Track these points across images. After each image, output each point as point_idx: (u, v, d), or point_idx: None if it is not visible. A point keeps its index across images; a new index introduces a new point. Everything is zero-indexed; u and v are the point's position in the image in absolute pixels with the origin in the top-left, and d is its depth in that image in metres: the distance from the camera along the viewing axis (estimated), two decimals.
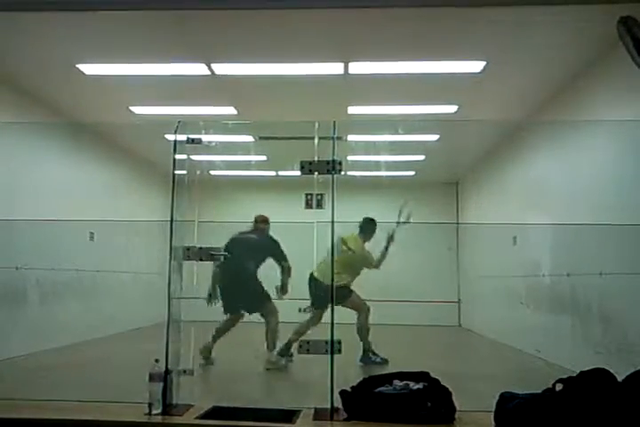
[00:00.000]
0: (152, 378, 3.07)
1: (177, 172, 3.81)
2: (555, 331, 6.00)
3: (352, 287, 6.22)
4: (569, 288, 5.77)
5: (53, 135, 7.02)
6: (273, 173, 10.43)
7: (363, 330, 6.10)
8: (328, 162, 3.48)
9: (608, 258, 4.89)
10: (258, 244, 5.91)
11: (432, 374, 3.19)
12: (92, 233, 7.66)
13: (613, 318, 4.82)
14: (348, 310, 5.97)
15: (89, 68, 5.66)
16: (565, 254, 5.95)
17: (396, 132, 7.42)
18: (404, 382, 3.07)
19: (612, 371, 2.79)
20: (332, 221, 3.57)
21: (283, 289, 5.78)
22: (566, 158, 6.09)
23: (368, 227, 6.40)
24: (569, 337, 5.61)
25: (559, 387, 2.78)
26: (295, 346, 5.23)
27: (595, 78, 5.32)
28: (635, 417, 2.47)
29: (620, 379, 2.73)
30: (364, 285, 6.62)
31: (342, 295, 5.87)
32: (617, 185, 4.90)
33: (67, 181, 7.17)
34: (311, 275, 5.98)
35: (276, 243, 5.98)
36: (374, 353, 6.09)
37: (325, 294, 5.30)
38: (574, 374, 2.85)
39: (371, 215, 6.63)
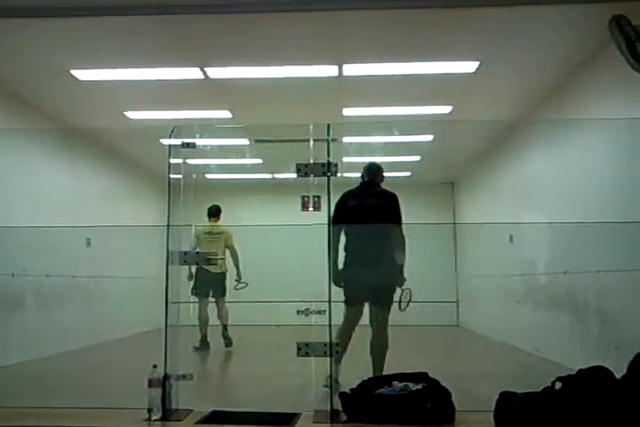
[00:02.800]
0: (151, 384, 3.07)
1: (172, 176, 3.81)
2: (553, 329, 6.01)
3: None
4: (566, 286, 5.79)
5: (48, 141, 7.01)
6: (269, 176, 10.44)
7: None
8: (323, 164, 3.50)
9: (604, 255, 4.90)
10: None
11: (431, 375, 3.20)
12: (88, 239, 7.64)
13: (611, 315, 4.83)
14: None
15: (83, 74, 5.65)
16: (562, 252, 5.96)
17: (391, 134, 7.43)
18: (404, 383, 3.08)
19: (610, 368, 2.80)
20: (329, 223, 3.57)
21: None
22: (561, 157, 6.10)
23: None
24: (567, 335, 5.62)
25: (558, 385, 2.79)
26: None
27: (587, 77, 5.33)
28: (633, 414, 2.48)
29: (618, 376, 2.75)
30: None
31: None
32: (611, 183, 4.92)
33: (62, 187, 7.15)
34: None
35: None
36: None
37: None
38: (573, 373, 2.86)
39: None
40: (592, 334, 5.13)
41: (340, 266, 4.38)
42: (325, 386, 3.74)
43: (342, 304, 4.33)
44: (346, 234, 4.43)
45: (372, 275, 4.22)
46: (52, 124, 6.94)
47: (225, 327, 6.97)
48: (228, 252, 7.11)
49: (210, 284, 6.90)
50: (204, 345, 6.79)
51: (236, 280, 7.07)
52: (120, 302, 8.06)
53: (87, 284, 7.41)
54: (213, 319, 6.99)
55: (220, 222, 7.29)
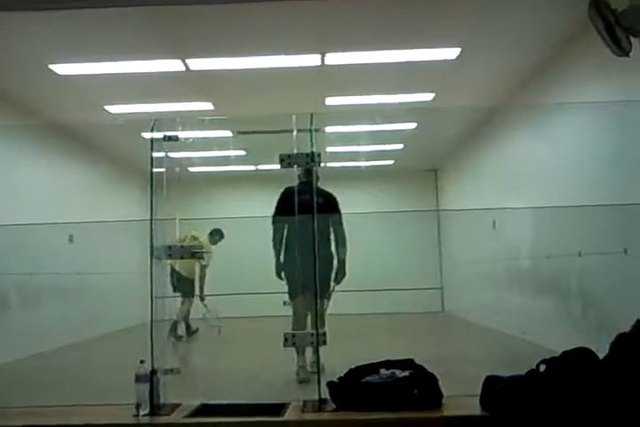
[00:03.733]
0: (138, 379, 3.06)
1: (155, 170, 3.77)
2: (537, 313, 6.08)
3: None
4: (550, 270, 5.85)
5: (27, 137, 6.92)
6: (252, 168, 10.40)
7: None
8: (307, 154, 3.48)
9: (586, 238, 4.95)
10: None
11: (417, 361, 3.22)
12: (70, 236, 7.59)
13: (593, 297, 4.90)
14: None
15: (61, 68, 5.59)
16: (545, 237, 6.02)
17: (374, 122, 7.43)
18: (391, 370, 3.10)
19: (593, 349, 2.83)
20: (314, 214, 3.57)
21: None
22: (543, 141, 6.14)
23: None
24: (551, 318, 5.68)
25: (542, 368, 2.82)
26: None
27: (569, 61, 5.36)
28: (616, 394, 2.52)
29: (601, 357, 2.78)
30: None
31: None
32: (592, 167, 4.96)
33: (42, 183, 7.09)
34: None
35: None
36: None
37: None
38: (557, 355, 2.90)
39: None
40: (575, 316, 5.19)
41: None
42: (299, 376, 4.36)
43: None
44: (289, 229, 4.73)
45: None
46: (31, 120, 6.87)
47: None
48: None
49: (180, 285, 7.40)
50: (190, 331, 7.62)
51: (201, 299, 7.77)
52: (104, 298, 8.03)
53: (70, 281, 7.37)
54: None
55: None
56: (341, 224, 4.86)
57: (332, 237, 4.85)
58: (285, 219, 4.62)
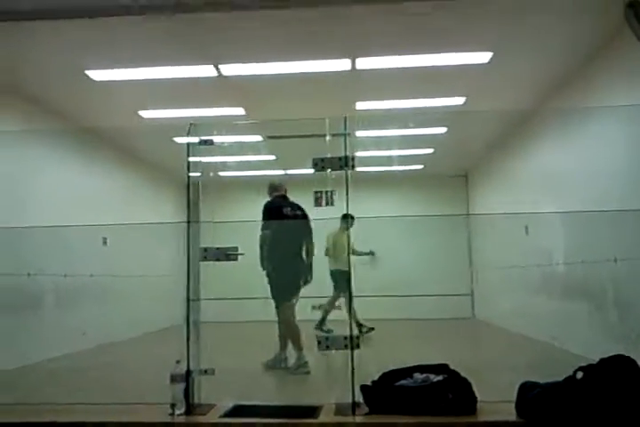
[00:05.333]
0: (174, 379, 3.10)
1: (191, 174, 3.83)
2: (571, 319, 5.98)
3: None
4: (583, 276, 5.76)
5: (63, 142, 7.09)
6: (282, 172, 10.45)
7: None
8: (340, 158, 3.50)
9: (622, 244, 4.87)
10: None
11: (451, 366, 3.21)
12: (104, 238, 7.72)
13: (630, 304, 4.81)
14: None
15: (97, 74, 5.70)
16: (579, 242, 5.93)
17: (404, 127, 7.42)
18: (425, 374, 3.10)
19: (631, 357, 2.79)
20: (349, 216, 3.58)
21: None
22: (576, 145, 6.07)
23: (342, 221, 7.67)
24: (586, 325, 5.60)
25: (580, 375, 2.79)
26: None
27: (602, 64, 5.30)
28: None
29: None
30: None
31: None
32: (628, 171, 4.89)
33: (77, 186, 7.23)
34: None
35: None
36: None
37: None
38: (592, 362, 2.86)
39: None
40: (611, 323, 5.10)
41: None
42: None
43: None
44: (272, 238, 5.29)
45: (294, 274, 5.37)
46: (67, 125, 7.01)
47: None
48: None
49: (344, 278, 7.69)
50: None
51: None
52: (138, 299, 8.14)
53: (104, 282, 7.49)
54: None
55: None
56: (311, 233, 5.58)
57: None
58: (273, 228, 5.31)
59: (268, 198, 5.72)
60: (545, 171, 6.99)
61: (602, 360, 2.82)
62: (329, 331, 7.50)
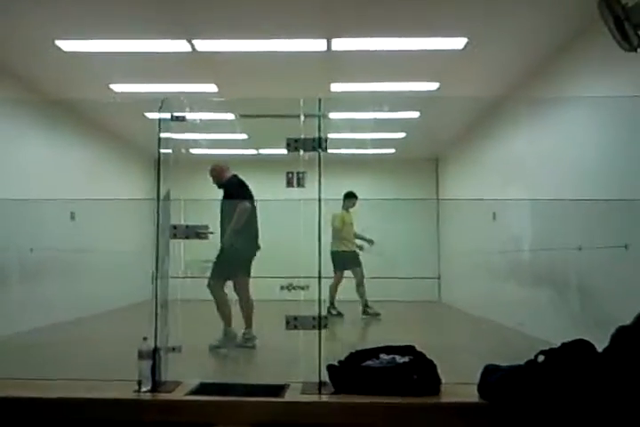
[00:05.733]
0: (141, 355, 3.08)
1: (162, 150, 3.78)
2: (535, 305, 6.12)
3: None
4: (549, 263, 5.88)
5: (30, 112, 6.90)
6: (254, 152, 10.39)
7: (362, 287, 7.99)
8: (314, 139, 3.48)
9: (587, 233, 4.98)
10: None
11: (417, 348, 3.25)
12: (72, 213, 7.59)
13: (592, 291, 4.94)
14: None
15: (68, 45, 5.56)
16: (545, 230, 6.04)
17: (378, 110, 7.42)
18: (391, 355, 3.13)
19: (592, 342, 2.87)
20: (319, 199, 3.58)
21: None
22: (546, 134, 6.15)
23: (346, 200, 8.12)
24: (549, 311, 5.73)
25: (541, 358, 2.85)
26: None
27: (576, 55, 5.36)
28: (614, 386, 2.56)
29: (599, 349, 2.82)
30: None
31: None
32: (595, 161, 4.98)
33: (44, 159, 7.07)
34: None
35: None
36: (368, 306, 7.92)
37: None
38: (555, 346, 2.94)
39: (353, 191, 8.16)
40: (573, 309, 5.24)
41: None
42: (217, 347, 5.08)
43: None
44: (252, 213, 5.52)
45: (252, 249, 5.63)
46: (34, 95, 6.83)
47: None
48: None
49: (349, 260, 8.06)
50: (336, 312, 7.91)
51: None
52: (107, 275, 8.05)
53: (72, 257, 7.38)
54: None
55: None
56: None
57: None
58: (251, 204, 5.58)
59: (236, 177, 5.74)
60: (514, 158, 7.08)
61: (563, 344, 2.89)
62: (339, 313, 7.83)
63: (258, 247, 5.64)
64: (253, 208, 5.55)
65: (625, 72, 4.35)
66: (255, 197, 5.72)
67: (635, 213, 4.06)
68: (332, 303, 7.91)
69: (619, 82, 4.60)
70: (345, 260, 8.00)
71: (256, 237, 5.63)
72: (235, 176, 5.77)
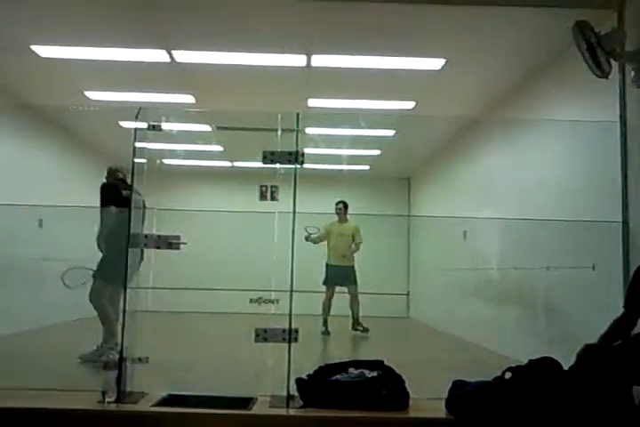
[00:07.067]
0: (106, 366, 3.04)
1: (136, 160, 3.76)
2: (503, 323, 6.18)
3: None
4: (517, 282, 5.96)
5: (1, 117, 6.78)
6: (229, 164, 10.37)
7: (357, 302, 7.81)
8: (290, 153, 3.51)
9: (556, 253, 5.07)
10: None
11: (386, 363, 3.26)
12: (40, 220, 7.46)
13: (559, 310, 5.01)
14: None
15: (44, 50, 5.50)
16: (514, 249, 6.13)
17: (354, 126, 7.49)
18: (360, 370, 3.14)
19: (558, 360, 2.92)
20: (294, 212, 3.60)
21: None
22: (517, 155, 6.27)
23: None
24: (517, 329, 5.79)
25: (508, 375, 2.89)
26: None
27: (550, 79, 5.49)
28: (580, 402, 2.60)
29: (565, 367, 2.86)
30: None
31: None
32: (565, 182, 5.09)
33: (13, 164, 6.95)
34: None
35: None
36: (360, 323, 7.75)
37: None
38: (522, 364, 2.97)
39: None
40: (540, 327, 5.31)
41: None
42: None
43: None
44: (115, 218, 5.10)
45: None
46: (6, 99, 6.73)
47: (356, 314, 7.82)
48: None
49: (341, 276, 7.82)
50: (325, 330, 7.66)
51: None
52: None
53: (38, 265, 7.23)
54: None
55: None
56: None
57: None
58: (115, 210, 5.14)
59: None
60: (486, 178, 7.19)
61: (530, 362, 2.93)
62: (327, 332, 7.69)
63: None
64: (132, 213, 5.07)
65: (596, 97, 4.47)
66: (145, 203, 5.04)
67: (601, 234, 4.15)
68: (324, 320, 7.77)
69: (589, 106, 4.72)
70: (337, 275, 7.85)
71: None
72: (114, 179, 5.42)
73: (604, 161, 4.37)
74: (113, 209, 5.10)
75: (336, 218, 8.07)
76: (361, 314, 7.91)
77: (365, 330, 7.74)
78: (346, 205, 8.07)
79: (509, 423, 2.66)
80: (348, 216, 8.06)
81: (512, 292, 6.09)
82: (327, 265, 7.92)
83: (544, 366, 2.84)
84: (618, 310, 3.02)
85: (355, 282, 7.90)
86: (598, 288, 4.22)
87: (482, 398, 2.82)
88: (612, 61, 3.85)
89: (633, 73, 3.83)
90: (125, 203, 4.83)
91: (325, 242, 7.96)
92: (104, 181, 5.45)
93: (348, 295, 7.89)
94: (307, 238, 7.67)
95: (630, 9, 4.00)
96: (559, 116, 5.16)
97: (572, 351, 2.93)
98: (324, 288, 7.88)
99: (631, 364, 2.64)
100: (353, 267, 7.93)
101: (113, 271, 4.56)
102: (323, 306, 7.79)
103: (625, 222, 3.93)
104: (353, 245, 7.94)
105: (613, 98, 4.11)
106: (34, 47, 5.44)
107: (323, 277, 7.88)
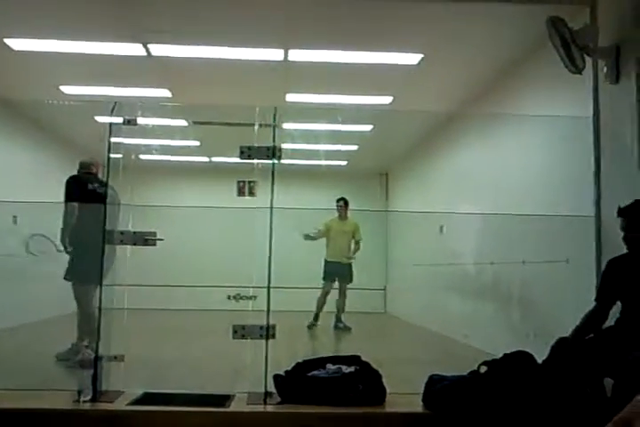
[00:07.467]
0: (82, 364, 3.02)
1: (111, 155, 3.72)
2: (479, 317, 6.25)
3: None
4: (493, 276, 6.02)
5: None
6: (206, 159, 10.30)
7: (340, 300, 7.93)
8: (268, 148, 3.50)
9: (530, 247, 5.13)
10: None
11: (363, 358, 3.28)
12: (15, 216, 7.35)
13: (534, 304, 5.08)
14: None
15: (17, 44, 5.40)
16: (490, 244, 6.19)
17: (332, 122, 7.48)
18: (337, 365, 3.15)
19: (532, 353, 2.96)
20: (271, 207, 3.59)
21: None
22: (494, 151, 6.32)
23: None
24: (492, 323, 5.86)
25: (483, 369, 2.93)
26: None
27: (526, 74, 5.53)
28: (554, 395, 2.64)
29: (539, 361, 2.90)
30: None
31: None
32: (540, 177, 5.14)
33: None
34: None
35: None
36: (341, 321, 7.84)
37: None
38: (497, 357, 3.01)
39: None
40: (515, 321, 5.37)
41: None
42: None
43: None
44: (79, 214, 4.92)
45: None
46: None
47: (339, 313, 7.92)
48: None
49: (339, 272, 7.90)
50: (313, 323, 7.77)
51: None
52: (50, 281, 7.78)
53: (12, 262, 7.12)
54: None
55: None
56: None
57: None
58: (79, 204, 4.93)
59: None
60: (463, 173, 7.24)
61: (504, 356, 2.97)
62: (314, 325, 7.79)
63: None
64: (86, 209, 4.87)
65: (570, 92, 4.52)
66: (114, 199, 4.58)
67: (575, 228, 4.20)
68: (316, 315, 7.83)
69: (564, 102, 4.77)
70: (335, 271, 7.89)
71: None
72: (82, 173, 5.27)
73: (578, 156, 4.41)
74: (75, 204, 4.91)
75: (331, 215, 8.16)
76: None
77: (347, 328, 7.78)
78: (346, 202, 8.11)
79: (485, 417, 2.69)
80: (348, 213, 8.14)
81: (488, 286, 6.15)
82: (326, 261, 7.97)
83: (518, 360, 2.88)
84: (591, 303, 3.07)
85: (350, 280, 8.00)
86: (572, 282, 4.28)
87: (458, 393, 2.85)
88: (586, 57, 3.90)
89: (606, 69, 3.88)
90: (92, 198, 4.76)
91: (317, 238, 8.03)
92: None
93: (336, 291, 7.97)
94: (306, 237, 7.72)
95: (602, 5, 4.04)
96: (534, 112, 5.21)
97: (546, 345, 2.98)
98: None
99: (603, 357, 2.68)
100: (351, 265, 8.04)
101: (85, 271, 4.52)
102: (317, 302, 7.83)
103: (597, 217, 3.98)
104: (353, 245, 8.07)
105: (587, 93, 4.16)
106: (7, 40, 5.34)
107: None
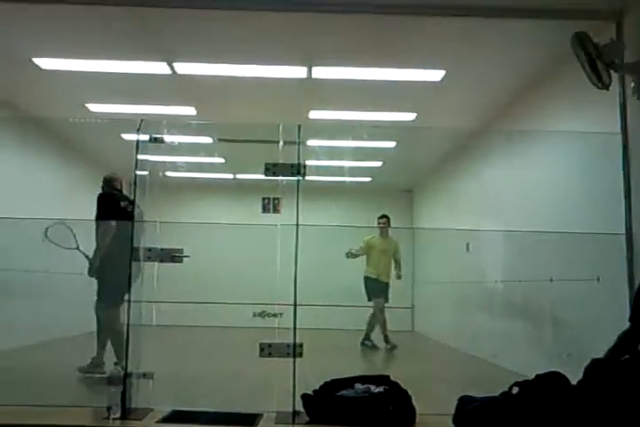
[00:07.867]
0: (111, 381, 3.02)
1: (138, 172, 3.75)
2: (508, 337, 6.13)
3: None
4: (521, 294, 5.93)
5: (2, 129, 6.78)
6: (230, 176, 10.36)
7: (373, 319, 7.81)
8: (292, 165, 3.51)
9: (559, 265, 5.04)
10: None
11: (392, 378, 3.24)
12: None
13: (565, 323, 4.98)
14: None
15: (46, 63, 5.52)
16: (518, 261, 6.10)
17: (356, 138, 7.49)
18: (366, 385, 3.11)
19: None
20: (297, 224, 3.59)
21: None
22: (519, 167, 6.26)
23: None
24: (522, 343, 5.75)
25: (515, 390, 2.87)
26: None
27: (551, 90, 5.49)
28: (588, 418, 2.57)
29: (573, 382, 2.84)
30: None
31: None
32: (568, 194, 5.07)
33: (14, 178, 6.94)
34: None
35: None
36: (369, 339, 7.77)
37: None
38: (528, 378, 2.95)
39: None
40: (546, 341, 5.27)
41: None
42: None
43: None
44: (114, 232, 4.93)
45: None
46: (7, 112, 6.74)
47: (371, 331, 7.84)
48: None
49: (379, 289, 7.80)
50: (368, 343, 7.75)
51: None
52: (79, 298, 7.84)
53: (43, 279, 7.20)
54: None
55: None
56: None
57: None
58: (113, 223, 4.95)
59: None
60: (488, 190, 7.17)
61: (537, 376, 2.90)
62: (374, 346, 7.71)
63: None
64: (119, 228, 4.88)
65: (597, 108, 4.47)
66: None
67: (605, 246, 4.13)
68: (367, 335, 7.77)
69: (590, 118, 4.72)
70: (370, 288, 7.81)
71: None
72: (111, 190, 5.25)
73: (607, 172, 4.36)
74: (113, 223, 4.90)
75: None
76: (364, 328, 7.87)
77: (393, 347, 7.67)
78: (389, 219, 8.00)
79: None
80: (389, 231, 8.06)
81: (517, 305, 6.05)
82: (367, 278, 7.86)
83: (551, 381, 2.81)
84: (624, 322, 3.00)
85: (387, 298, 7.89)
86: (604, 301, 4.19)
87: (489, 414, 2.79)
88: (612, 73, 3.86)
89: (633, 84, 3.84)
90: (123, 216, 4.80)
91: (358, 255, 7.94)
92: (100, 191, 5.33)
93: (370, 310, 7.88)
94: (348, 255, 7.65)
95: (629, 20, 4.02)
96: (560, 128, 5.16)
97: (578, 365, 2.91)
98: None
99: (639, 379, 2.61)
100: (388, 284, 7.95)
101: (117, 294, 4.58)
102: (375, 319, 7.77)
103: (629, 234, 3.91)
104: (395, 268, 8.01)
105: (614, 109, 4.11)
106: (35, 60, 5.46)
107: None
